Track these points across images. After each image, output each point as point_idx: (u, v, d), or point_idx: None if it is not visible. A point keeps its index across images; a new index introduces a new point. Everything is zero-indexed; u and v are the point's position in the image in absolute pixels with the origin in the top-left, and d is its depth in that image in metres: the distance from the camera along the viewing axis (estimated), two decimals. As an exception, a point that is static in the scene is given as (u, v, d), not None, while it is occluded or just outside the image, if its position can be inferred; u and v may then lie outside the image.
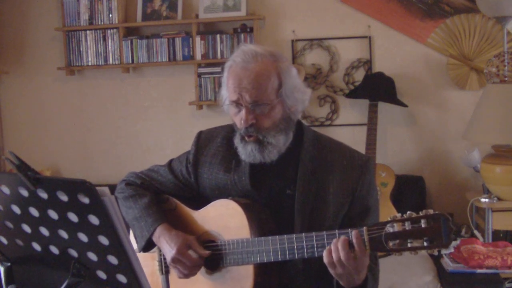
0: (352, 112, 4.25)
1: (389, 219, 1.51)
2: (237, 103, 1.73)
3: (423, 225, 1.47)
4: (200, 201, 1.88)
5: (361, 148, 3.80)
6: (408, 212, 1.50)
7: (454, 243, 3.47)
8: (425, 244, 1.46)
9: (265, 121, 1.73)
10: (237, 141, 1.79)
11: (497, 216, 3.64)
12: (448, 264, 3.30)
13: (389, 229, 1.50)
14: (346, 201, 1.78)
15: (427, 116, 4.17)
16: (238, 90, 1.71)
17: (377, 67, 4.17)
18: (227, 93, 1.77)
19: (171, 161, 1.99)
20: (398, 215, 1.50)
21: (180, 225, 1.87)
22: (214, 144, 1.91)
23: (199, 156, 1.91)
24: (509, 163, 3.60)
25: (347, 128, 4.24)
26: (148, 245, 1.86)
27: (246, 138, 1.76)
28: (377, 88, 3.99)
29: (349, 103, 4.23)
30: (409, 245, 1.47)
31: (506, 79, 3.62)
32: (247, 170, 1.81)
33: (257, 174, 1.81)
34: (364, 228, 1.54)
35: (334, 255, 1.55)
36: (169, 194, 1.95)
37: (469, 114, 3.78)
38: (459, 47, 4.06)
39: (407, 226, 1.48)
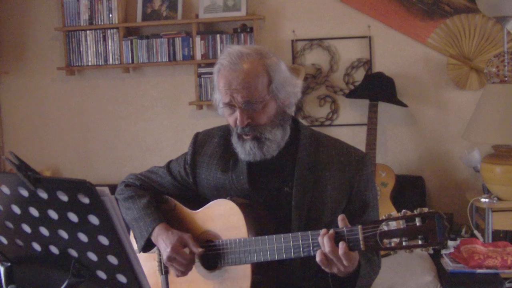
0: (352, 112, 4.25)
1: (384, 217, 1.51)
2: (230, 105, 1.74)
3: (417, 223, 1.47)
4: (199, 201, 1.89)
5: (361, 148, 3.79)
6: (403, 210, 1.50)
7: (454, 243, 3.47)
8: (420, 242, 1.46)
9: (260, 118, 1.74)
10: (234, 140, 1.80)
11: (497, 216, 3.64)
12: (448, 264, 3.30)
13: (384, 227, 1.50)
14: (344, 197, 1.79)
15: (427, 116, 4.17)
16: (229, 92, 1.73)
17: (377, 67, 4.17)
18: (219, 96, 1.78)
19: (169, 162, 2.00)
20: (393, 213, 1.51)
21: (179, 225, 1.88)
22: (211, 144, 1.92)
23: (196, 156, 1.93)
24: (509, 163, 3.60)
25: (347, 128, 4.24)
26: (148, 245, 1.87)
27: (244, 136, 1.76)
28: (377, 88, 3.99)
29: (349, 103, 4.23)
30: (404, 243, 1.48)
31: (506, 79, 3.63)
32: (245, 169, 1.82)
33: (255, 172, 1.83)
34: (359, 226, 1.54)
35: (322, 248, 1.56)
36: (168, 195, 1.97)
37: (469, 114, 3.78)
38: (459, 47, 4.06)
39: (402, 224, 1.48)
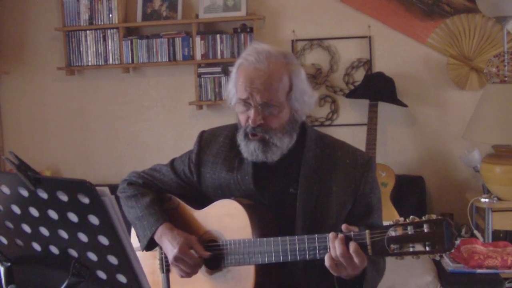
0: (352, 112, 4.25)
1: (391, 223, 1.51)
2: (246, 102, 1.73)
3: (425, 230, 1.47)
4: (202, 201, 1.88)
5: (361, 148, 3.79)
6: (411, 216, 1.50)
7: (454, 243, 3.47)
8: (427, 248, 1.46)
9: (272, 122, 1.73)
10: (240, 138, 1.79)
11: (497, 216, 3.64)
12: (448, 264, 3.30)
13: (391, 233, 1.49)
14: (349, 200, 1.79)
15: (427, 116, 4.17)
16: (249, 89, 1.71)
17: (377, 67, 4.17)
18: (234, 90, 1.77)
19: (173, 160, 1.99)
20: (401, 219, 1.50)
21: (182, 224, 1.87)
22: (217, 143, 1.91)
23: (201, 155, 1.92)
24: (509, 163, 3.60)
25: (347, 128, 4.24)
26: (151, 245, 1.87)
27: (250, 136, 1.75)
28: (377, 88, 3.99)
29: (349, 103, 4.23)
30: (411, 249, 1.47)
31: (506, 79, 3.63)
32: (250, 169, 1.81)
33: (260, 173, 1.82)
34: (367, 231, 1.53)
35: (331, 252, 1.56)
36: (171, 193, 1.96)
37: (469, 114, 3.78)
38: (459, 47, 4.06)
39: (410, 230, 1.48)
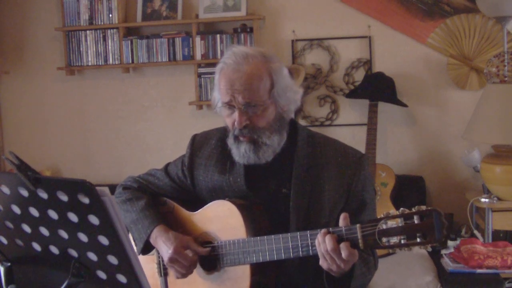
0: (352, 112, 4.25)
1: (382, 216, 1.52)
2: (230, 105, 1.74)
3: (416, 221, 1.48)
4: (197, 203, 1.89)
5: (361, 148, 3.79)
6: (401, 208, 1.50)
7: (454, 243, 3.47)
8: (418, 240, 1.47)
9: (258, 121, 1.74)
10: (230, 142, 1.80)
11: (497, 216, 3.64)
12: (448, 264, 3.30)
13: (382, 226, 1.50)
14: (342, 198, 1.79)
15: (427, 116, 4.17)
16: (230, 92, 1.72)
17: (377, 67, 4.17)
18: (219, 95, 1.78)
19: (167, 164, 2.01)
20: (391, 211, 1.51)
21: (178, 227, 1.88)
22: (209, 146, 1.92)
23: (194, 158, 1.93)
24: (509, 163, 3.60)
25: (347, 128, 4.24)
26: (147, 248, 1.87)
27: (241, 138, 1.76)
28: (377, 88, 3.99)
29: (349, 103, 4.23)
30: (402, 241, 1.48)
31: (506, 79, 3.62)
32: (242, 171, 1.82)
33: (252, 174, 1.82)
34: (358, 225, 1.54)
35: (322, 247, 1.56)
36: (166, 197, 1.97)
37: (469, 114, 3.78)
38: (459, 47, 4.06)
39: (400, 222, 1.49)
